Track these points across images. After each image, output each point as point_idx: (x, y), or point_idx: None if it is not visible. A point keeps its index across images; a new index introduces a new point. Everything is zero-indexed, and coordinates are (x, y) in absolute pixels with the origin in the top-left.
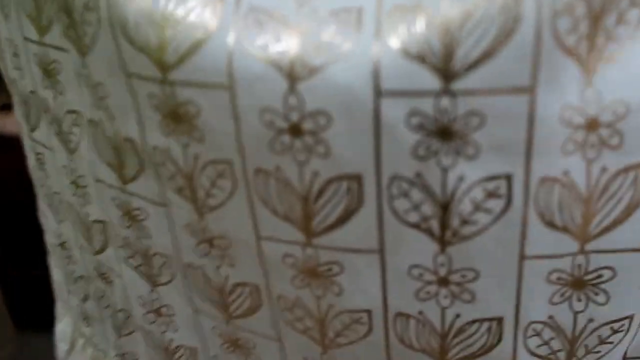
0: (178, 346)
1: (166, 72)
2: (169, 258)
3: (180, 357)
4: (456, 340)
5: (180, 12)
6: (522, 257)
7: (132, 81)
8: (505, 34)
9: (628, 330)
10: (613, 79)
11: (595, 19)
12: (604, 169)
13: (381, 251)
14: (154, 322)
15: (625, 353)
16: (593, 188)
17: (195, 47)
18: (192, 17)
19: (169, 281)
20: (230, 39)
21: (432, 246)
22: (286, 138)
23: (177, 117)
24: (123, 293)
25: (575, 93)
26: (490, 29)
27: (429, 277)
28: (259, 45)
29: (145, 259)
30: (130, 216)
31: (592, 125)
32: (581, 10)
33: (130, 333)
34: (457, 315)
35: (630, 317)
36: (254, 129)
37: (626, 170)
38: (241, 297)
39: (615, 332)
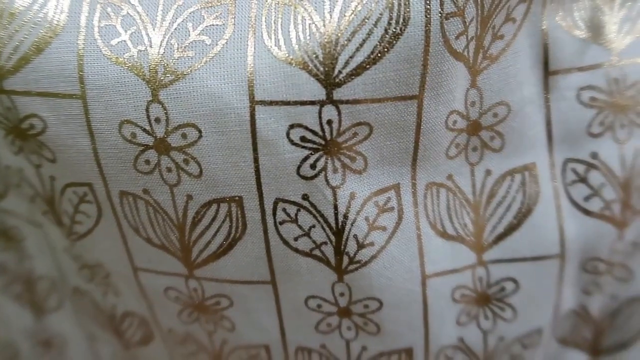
0: None
1: (2, 81)
2: (55, 282)
3: None
4: None
5: (18, 6)
6: (424, 278)
7: None
8: (391, 36)
9: (538, 344)
10: (495, 79)
11: (485, 19)
12: (488, 172)
13: (272, 282)
14: (43, 355)
15: None
16: (480, 192)
17: (37, 49)
18: (33, 12)
19: (58, 307)
20: (80, 38)
21: (329, 275)
22: (152, 155)
23: (22, 134)
24: (4, 327)
25: (461, 97)
26: (375, 31)
27: (328, 308)
28: (115, 46)
29: (28, 285)
30: (7, 236)
31: (474, 128)
32: (471, 11)
33: None
34: (364, 348)
35: (539, 331)
36: (113, 145)
37: (511, 173)
38: (132, 326)
39: (525, 347)
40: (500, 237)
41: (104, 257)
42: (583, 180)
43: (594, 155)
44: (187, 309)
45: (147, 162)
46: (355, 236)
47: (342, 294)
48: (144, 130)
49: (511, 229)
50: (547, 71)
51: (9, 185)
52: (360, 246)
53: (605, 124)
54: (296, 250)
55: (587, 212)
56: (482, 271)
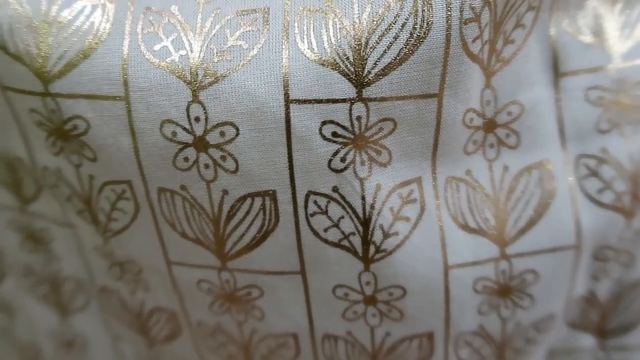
0: None
1: (48, 84)
2: (82, 282)
3: None
4: (388, 358)
5: (65, 15)
6: (447, 268)
7: (8, 95)
8: (416, 39)
9: (552, 328)
10: (508, 80)
11: (498, 25)
12: (505, 168)
13: (302, 272)
14: (65, 357)
15: (551, 348)
16: (499, 188)
17: (84, 55)
18: (80, 22)
19: (83, 307)
20: (125, 44)
21: (356, 264)
22: (191, 153)
23: (64, 135)
24: (29, 328)
25: (477, 96)
26: (401, 34)
27: (355, 296)
28: (157, 51)
29: (54, 286)
30: (34, 239)
31: (489, 125)
32: (486, 17)
33: None
34: (387, 334)
35: (553, 316)
36: (154, 144)
37: (528, 169)
38: (159, 322)
39: (540, 331)
40: (522, 231)
41: (137, 252)
42: (595, 174)
43: (604, 151)
44: (218, 300)
45: (186, 159)
46: (381, 226)
47: (367, 283)
48: (184, 129)
49: (532, 222)
50: (557, 73)
51: (42, 186)
52: (386, 235)
53: (612, 121)
54: (325, 241)
55: (600, 204)
56: (505, 264)
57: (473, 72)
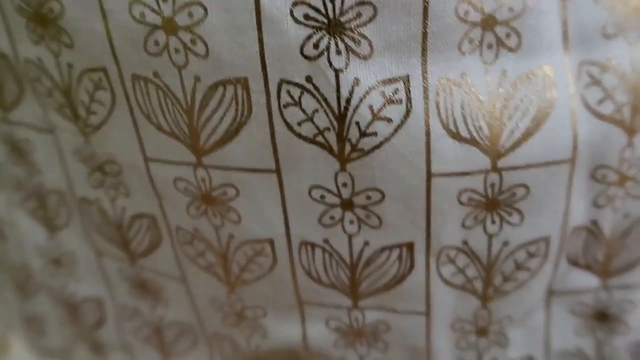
0: (82, 299)
1: None
2: (63, 194)
3: (85, 311)
4: (366, 271)
5: None
6: (430, 176)
7: None
8: None
9: (546, 255)
10: None
11: None
12: (504, 73)
13: (277, 170)
14: (54, 274)
15: (550, 287)
16: (495, 95)
17: None
18: None
19: (67, 223)
20: None
21: (332, 163)
22: (161, 36)
23: (43, 19)
24: (18, 246)
25: None
26: None
27: (331, 199)
28: None
29: (40, 200)
30: (18, 150)
31: (488, 22)
32: None
33: (34, 294)
34: (366, 243)
35: (546, 240)
36: (124, 25)
37: (528, 75)
38: (140, 232)
39: (531, 256)
40: (518, 143)
41: (117, 149)
42: (597, 82)
43: (608, 58)
44: (195, 201)
45: (156, 42)
46: (357, 123)
47: (344, 184)
48: (152, 9)
49: (528, 134)
50: None
51: (24, 87)
52: (363, 134)
53: (619, 25)
54: (300, 136)
55: (599, 116)
56: (495, 177)
57: None
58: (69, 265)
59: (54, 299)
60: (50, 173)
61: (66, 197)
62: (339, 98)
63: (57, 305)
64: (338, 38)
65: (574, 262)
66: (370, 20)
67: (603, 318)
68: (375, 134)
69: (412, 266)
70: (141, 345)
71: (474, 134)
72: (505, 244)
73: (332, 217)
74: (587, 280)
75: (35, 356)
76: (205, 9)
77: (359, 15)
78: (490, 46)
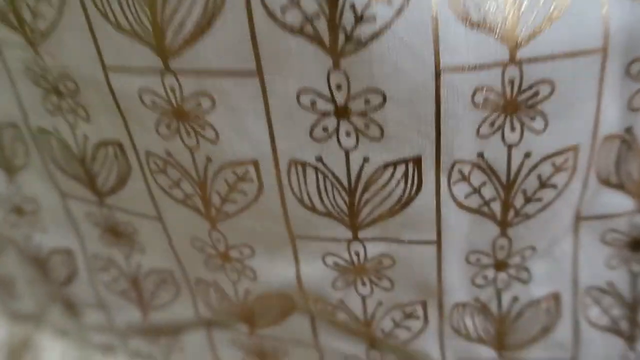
0: (50, 252)
1: None
2: (18, 128)
3: (54, 265)
4: (367, 195)
5: None
6: (438, 70)
7: None
8: None
9: (574, 169)
10: None
11: None
12: None
13: (258, 71)
14: (16, 224)
15: (578, 210)
16: None
17: None
18: None
19: (25, 163)
20: None
21: (323, 60)
22: None
23: None
24: None
25: None
26: None
27: (323, 106)
28: None
29: None
30: None
31: None
32: None
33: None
34: (366, 159)
35: (575, 149)
36: None
37: None
38: (106, 163)
39: (558, 170)
40: (539, 29)
41: (71, 59)
42: None
43: None
44: (165, 117)
45: None
46: (352, 5)
47: (339, 87)
48: None
49: (550, 18)
50: None
51: None
52: (359, 19)
53: None
54: (284, 26)
55: None
56: (514, 71)
57: None
58: (32, 214)
59: (20, 255)
60: (2, 102)
61: (21, 130)
62: None
63: (23, 263)
64: None
65: (605, 181)
66: None
67: (639, 247)
68: (373, 17)
69: (419, 186)
70: (118, 300)
71: (488, 17)
72: (527, 155)
73: (325, 129)
74: (620, 202)
75: (6, 322)
76: None
77: None
78: None
